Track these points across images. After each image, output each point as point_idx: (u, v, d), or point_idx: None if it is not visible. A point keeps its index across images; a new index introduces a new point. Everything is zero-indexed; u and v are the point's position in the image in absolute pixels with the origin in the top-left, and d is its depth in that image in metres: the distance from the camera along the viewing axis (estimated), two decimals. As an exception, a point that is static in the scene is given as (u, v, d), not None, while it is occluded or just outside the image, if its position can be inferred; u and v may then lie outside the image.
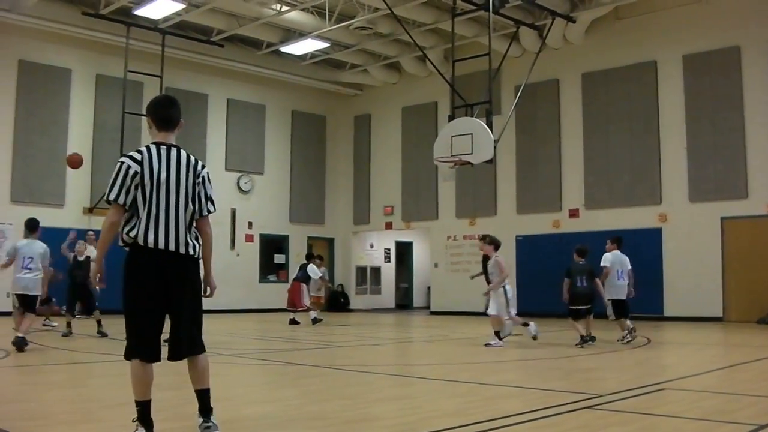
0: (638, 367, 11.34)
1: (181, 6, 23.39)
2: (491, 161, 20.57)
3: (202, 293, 6.18)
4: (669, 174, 23.45)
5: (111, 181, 5.63)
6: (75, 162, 17.51)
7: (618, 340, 15.46)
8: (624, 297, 16.38)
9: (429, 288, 30.84)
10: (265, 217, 29.57)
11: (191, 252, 5.83)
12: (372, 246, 32.88)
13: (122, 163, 5.68)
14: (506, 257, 26.12)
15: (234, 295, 27.22)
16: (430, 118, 28.89)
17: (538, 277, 25.51)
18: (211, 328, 18.53)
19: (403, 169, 30.11)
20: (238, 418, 6.84)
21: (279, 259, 30.08)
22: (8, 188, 23.63)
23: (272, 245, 29.62)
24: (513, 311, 14.86)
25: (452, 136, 20.47)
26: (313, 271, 21.50)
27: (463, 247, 28.07)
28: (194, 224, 5.92)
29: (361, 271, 32.43)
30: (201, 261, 6.00)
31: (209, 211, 6.06)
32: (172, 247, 5.70)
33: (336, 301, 30.96)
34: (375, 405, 7.74)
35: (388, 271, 33.69)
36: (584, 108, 25.37)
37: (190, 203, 5.90)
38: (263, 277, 29.54)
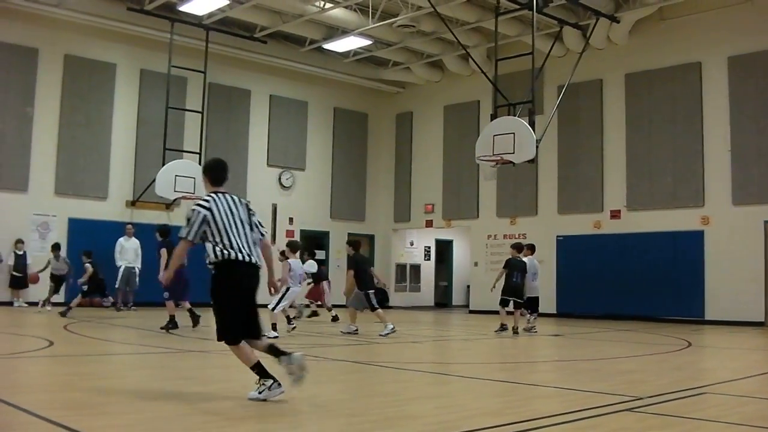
0: (678, 370, 11.26)
1: (225, 2, 23.52)
2: (533, 161, 20.53)
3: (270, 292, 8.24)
4: (712, 176, 23.23)
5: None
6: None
7: (524, 329, 18.06)
8: (537, 295, 19.24)
9: (468, 287, 30.80)
10: (305, 213, 29.67)
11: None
12: (412, 243, 32.88)
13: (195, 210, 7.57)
14: (546, 257, 26.15)
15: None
16: (472, 117, 28.85)
17: (577, 278, 25.45)
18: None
19: (445, 168, 30.08)
20: (276, 413, 6.88)
21: (319, 255, 30.13)
22: (53, 181, 23.92)
23: (313, 241, 29.69)
24: None
25: (494, 135, 20.44)
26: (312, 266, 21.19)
27: (503, 246, 27.92)
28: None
29: (401, 268, 32.44)
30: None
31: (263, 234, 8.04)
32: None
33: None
34: (413, 403, 7.75)
35: (428, 269, 33.68)
36: (627, 109, 25.19)
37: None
38: (303, 272, 29.63)
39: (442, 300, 34.09)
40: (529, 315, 18.62)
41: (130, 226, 23.66)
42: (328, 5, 24.02)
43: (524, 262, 18.41)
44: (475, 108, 28.87)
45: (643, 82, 24.83)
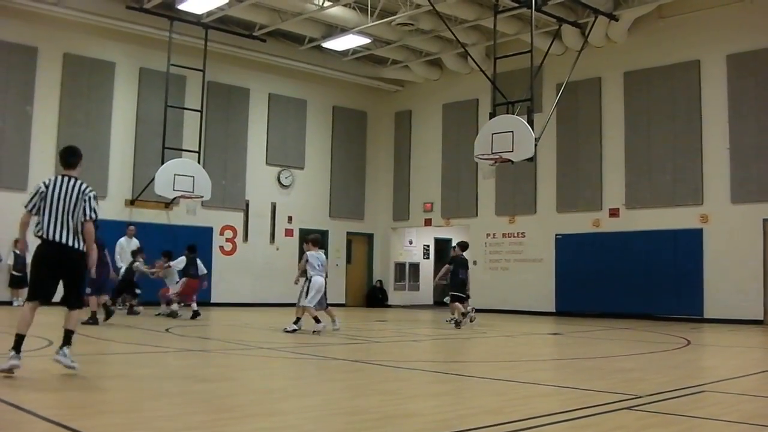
0: (677, 368, 11.27)
1: (224, 0, 23.52)
2: (532, 159, 20.53)
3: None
4: (711, 175, 23.24)
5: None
6: None
7: (447, 320, 19.44)
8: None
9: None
10: (304, 211, 29.67)
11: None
12: (411, 242, 32.91)
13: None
14: (545, 256, 26.20)
15: (273, 289, 27.43)
16: (471, 115, 28.86)
17: (576, 277, 25.47)
18: (250, 322, 18.65)
19: (443, 166, 30.09)
20: (276, 412, 6.90)
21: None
22: (52, 180, 23.86)
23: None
24: None
25: (493, 134, 20.45)
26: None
27: (502, 245, 28.03)
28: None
29: (400, 267, 32.46)
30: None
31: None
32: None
33: (374, 297, 31.04)
34: (413, 401, 7.76)
35: (427, 268, 33.69)
36: (626, 107, 25.20)
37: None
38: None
39: (441, 298, 34.05)
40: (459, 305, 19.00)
41: (132, 227, 23.65)
42: (327, 3, 24.03)
43: (467, 259, 19.67)
44: (474, 106, 28.89)
45: (642, 80, 24.84)
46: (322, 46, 27.66)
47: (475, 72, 26.44)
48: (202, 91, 25.43)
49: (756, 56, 22.58)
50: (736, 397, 8.33)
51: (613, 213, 25.21)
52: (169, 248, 21.70)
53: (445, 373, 10.21)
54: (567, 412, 6.94)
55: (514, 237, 27.56)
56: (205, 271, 21.06)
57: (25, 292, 22.22)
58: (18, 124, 23.44)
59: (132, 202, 25.19)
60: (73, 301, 8.92)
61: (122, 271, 22.63)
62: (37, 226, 8.83)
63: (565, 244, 26.17)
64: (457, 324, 18.44)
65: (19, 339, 8.48)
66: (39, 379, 8.87)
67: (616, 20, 23.88)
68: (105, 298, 17.11)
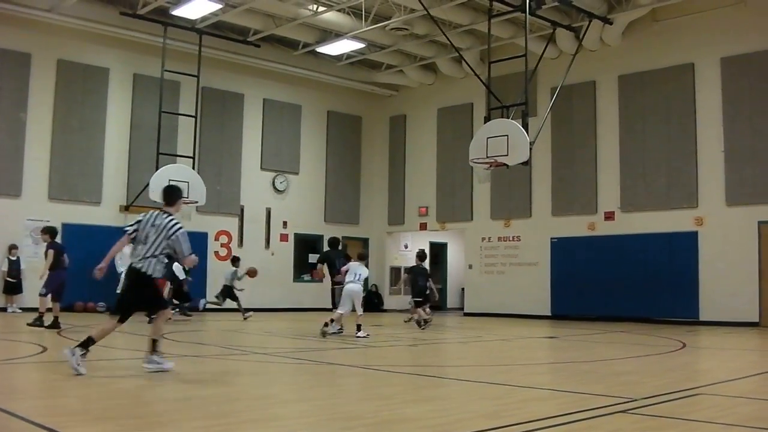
0: (673, 371, 11.27)
1: (218, 6, 23.53)
2: (527, 163, 20.55)
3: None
4: (706, 177, 23.26)
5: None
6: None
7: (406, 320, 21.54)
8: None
9: (463, 289, 30.79)
10: (299, 216, 29.66)
11: None
12: (406, 246, 32.88)
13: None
14: (540, 259, 26.19)
15: (268, 295, 27.46)
16: (465, 120, 28.88)
17: (572, 280, 25.48)
18: (246, 327, 18.62)
19: (438, 170, 30.09)
20: (273, 417, 6.89)
21: (313, 258, 30.12)
22: (46, 186, 23.88)
23: (307, 245, 29.67)
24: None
25: (488, 138, 20.47)
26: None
27: (497, 248, 28.03)
28: None
29: (396, 271, 32.43)
30: None
31: None
32: None
33: (370, 301, 31.01)
34: (409, 406, 7.75)
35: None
36: (621, 110, 25.22)
37: None
38: (297, 276, 29.62)
39: (436, 303, 34.03)
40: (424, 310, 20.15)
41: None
42: (321, 9, 24.03)
43: (425, 268, 20.80)
44: (469, 110, 28.90)
45: (637, 83, 24.86)
46: (316, 51, 27.66)
47: (469, 76, 26.44)
48: (197, 97, 25.42)
49: (750, 59, 22.61)
50: (732, 399, 8.33)
51: (609, 216, 25.22)
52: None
53: (441, 378, 10.19)
54: (563, 415, 6.93)
55: (509, 241, 27.56)
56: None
57: (19, 298, 22.38)
58: (12, 131, 23.40)
59: (126, 208, 25.13)
60: (152, 311, 10.18)
61: (122, 276, 22.75)
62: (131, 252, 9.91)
63: (561, 247, 26.18)
64: (419, 323, 19.71)
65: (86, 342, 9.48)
66: (33, 386, 8.85)
67: (611, 24, 23.91)
68: (57, 306, 17.09)
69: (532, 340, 17.51)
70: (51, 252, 16.71)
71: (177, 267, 20.94)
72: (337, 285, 17.22)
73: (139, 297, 9.80)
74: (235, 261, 22.82)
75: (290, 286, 29.08)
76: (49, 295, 16.74)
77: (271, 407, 7.40)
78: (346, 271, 16.58)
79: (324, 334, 15.85)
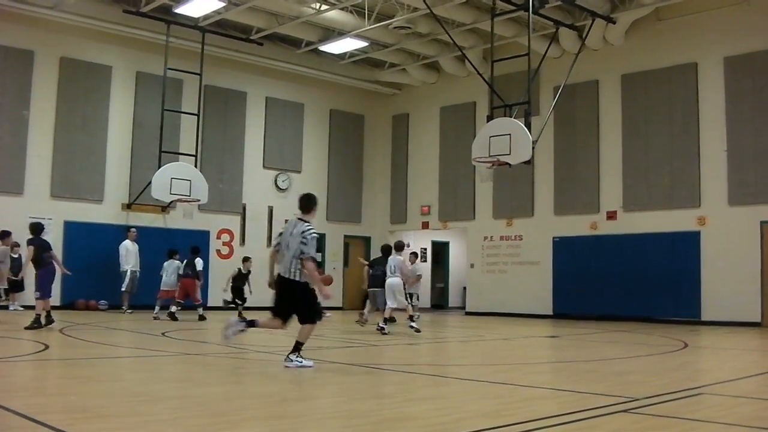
0: (675, 371, 11.26)
1: (221, 4, 23.52)
2: (529, 162, 20.57)
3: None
4: (708, 177, 23.23)
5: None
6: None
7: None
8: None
9: (465, 288, 30.78)
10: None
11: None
12: (408, 245, 32.80)
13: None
14: (543, 258, 26.17)
15: (270, 293, 27.38)
16: (468, 118, 28.85)
17: (574, 279, 25.46)
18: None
19: (441, 169, 30.07)
20: (273, 416, 6.88)
21: (316, 257, 30.11)
22: (48, 184, 23.87)
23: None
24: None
25: (490, 137, 20.47)
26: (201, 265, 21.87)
27: (499, 247, 28.00)
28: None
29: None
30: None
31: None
32: None
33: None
34: (410, 404, 7.75)
35: (424, 271, 33.61)
36: (623, 109, 25.18)
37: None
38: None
39: (439, 302, 34.07)
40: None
41: (133, 230, 23.84)
42: (323, 7, 24.01)
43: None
44: (472, 109, 28.88)
45: (640, 82, 24.83)
46: (319, 50, 27.66)
47: (472, 75, 26.44)
48: (199, 95, 25.42)
49: (753, 58, 22.58)
50: (734, 399, 8.32)
51: (611, 216, 25.19)
52: (166, 252, 21.95)
53: (442, 377, 10.19)
54: (564, 415, 6.92)
55: (511, 240, 27.54)
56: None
57: (21, 296, 22.36)
58: (14, 128, 23.40)
59: (129, 206, 25.14)
60: (302, 318, 10.40)
61: (127, 273, 23.06)
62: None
63: (563, 246, 26.16)
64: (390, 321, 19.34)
65: (250, 323, 10.53)
66: (34, 383, 8.85)
67: (614, 23, 23.90)
68: (49, 303, 17.05)
69: (534, 339, 17.50)
70: (30, 248, 16.64)
71: (199, 262, 21.40)
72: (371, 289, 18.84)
73: (292, 303, 10.41)
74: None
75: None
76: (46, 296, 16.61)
77: (272, 405, 7.40)
78: (370, 273, 18.16)
79: (382, 330, 16.84)
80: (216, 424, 6.37)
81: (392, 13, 24.28)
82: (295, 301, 10.36)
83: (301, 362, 10.19)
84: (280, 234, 10.65)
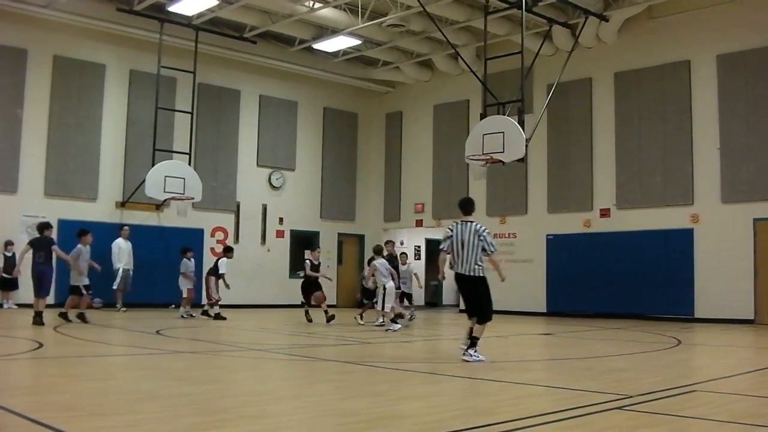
0: (669, 368, 11.29)
1: (214, 2, 23.49)
2: (522, 160, 20.56)
3: None
4: (701, 174, 23.27)
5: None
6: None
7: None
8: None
9: (459, 286, 30.72)
10: (295, 213, 29.65)
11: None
12: (402, 243, 32.84)
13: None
14: (536, 256, 26.18)
15: (264, 291, 27.52)
16: (461, 116, 28.86)
17: (567, 277, 25.49)
18: (241, 324, 18.61)
19: (434, 167, 30.08)
20: (268, 414, 6.90)
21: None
22: (42, 182, 23.85)
23: (303, 241, 29.62)
24: None
25: (484, 135, 20.47)
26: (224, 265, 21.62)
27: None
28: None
29: (392, 268, 32.38)
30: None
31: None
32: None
33: (365, 298, 30.98)
34: (404, 402, 7.76)
35: (418, 269, 33.48)
36: (616, 107, 25.21)
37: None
38: (293, 273, 29.57)
39: (433, 299, 34.07)
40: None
41: (126, 228, 23.84)
42: (317, 5, 24.01)
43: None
44: (465, 107, 28.89)
45: (633, 80, 24.87)
46: (312, 48, 27.65)
47: (465, 73, 26.44)
48: (193, 93, 25.39)
49: (746, 56, 22.62)
50: (727, 396, 8.35)
51: (604, 213, 25.24)
52: (160, 250, 21.92)
53: (436, 374, 10.21)
54: (558, 412, 6.95)
55: (505, 238, 27.52)
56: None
57: (14, 294, 22.36)
58: (8, 127, 23.36)
59: (123, 204, 25.12)
60: (480, 316, 11.33)
61: (119, 271, 23.02)
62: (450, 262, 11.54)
63: (556, 244, 26.19)
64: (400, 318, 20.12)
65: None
66: (29, 382, 8.85)
67: (607, 21, 23.91)
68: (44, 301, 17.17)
69: (528, 336, 17.53)
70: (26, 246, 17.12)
71: (222, 262, 21.26)
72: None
73: (475, 298, 11.48)
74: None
75: (286, 282, 28.97)
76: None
77: (266, 403, 7.41)
78: (372, 275, 18.62)
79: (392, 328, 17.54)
80: (210, 422, 6.38)
81: (385, 11, 24.28)
82: (477, 295, 11.40)
83: (479, 358, 11.01)
84: (449, 237, 11.57)
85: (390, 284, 17.92)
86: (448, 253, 11.57)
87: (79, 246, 17.95)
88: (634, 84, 24.80)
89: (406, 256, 22.23)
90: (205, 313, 21.33)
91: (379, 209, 32.03)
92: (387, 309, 17.77)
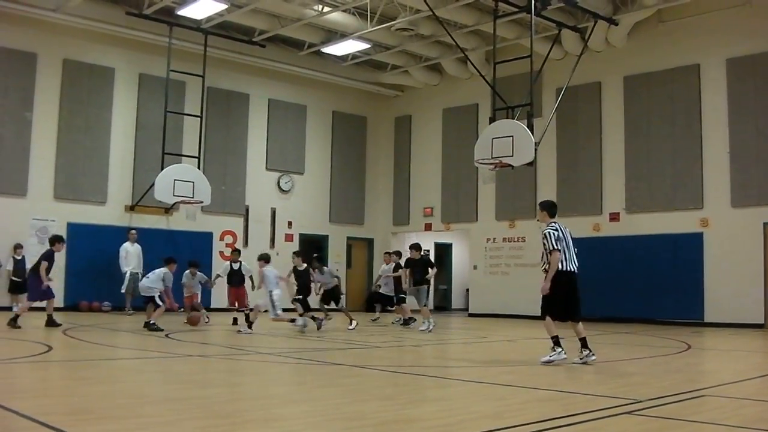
0: (678, 373, 11.25)
1: (223, 6, 23.53)
2: (532, 164, 20.55)
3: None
4: (711, 178, 23.22)
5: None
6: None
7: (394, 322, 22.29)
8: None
9: (468, 290, 30.76)
10: (304, 216, 29.65)
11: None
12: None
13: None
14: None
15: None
16: (470, 120, 28.85)
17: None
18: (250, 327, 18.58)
19: (443, 171, 30.07)
20: (275, 417, 6.88)
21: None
22: (52, 185, 23.91)
23: (312, 245, 29.63)
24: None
25: (493, 138, 20.45)
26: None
27: (502, 249, 27.99)
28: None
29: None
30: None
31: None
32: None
33: (374, 302, 30.96)
34: (413, 406, 7.74)
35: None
36: (626, 111, 25.17)
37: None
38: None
39: (442, 303, 34.04)
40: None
41: (133, 231, 23.86)
42: (326, 9, 24.02)
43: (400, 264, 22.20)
44: (474, 111, 28.87)
45: (642, 84, 24.82)
46: (321, 52, 27.66)
47: (474, 77, 26.42)
48: (202, 97, 25.44)
49: (756, 60, 22.57)
50: (737, 401, 8.31)
51: (614, 217, 25.19)
52: (169, 254, 21.84)
53: (444, 378, 10.19)
54: (567, 416, 6.92)
55: (514, 242, 27.52)
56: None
57: (24, 298, 22.42)
58: (17, 130, 23.43)
59: (132, 208, 25.17)
60: (578, 314, 11.99)
61: (127, 275, 23.08)
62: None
63: (566, 248, 26.08)
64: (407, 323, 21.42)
65: (556, 339, 11.90)
66: (37, 384, 8.86)
67: (616, 25, 23.89)
68: (28, 306, 17.54)
69: (537, 341, 17.46)
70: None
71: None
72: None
73: (577, 296, 12.12)
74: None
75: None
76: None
77: (274, 407, 7.40)
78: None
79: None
80: (217, 426, 6.37)
81: (394, 15, 24.27)
82: (578, 294, 12.01)
83: (594, 355, 11.68)
84: (559, 239, 12.23)
85: (277, 291, 18.32)
86: (558, 250, 12.07)
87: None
88: (644, 88, 24.76)
89: (389, 255, 23.15)
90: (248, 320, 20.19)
91: (388, 213, 32.02)
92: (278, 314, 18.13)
